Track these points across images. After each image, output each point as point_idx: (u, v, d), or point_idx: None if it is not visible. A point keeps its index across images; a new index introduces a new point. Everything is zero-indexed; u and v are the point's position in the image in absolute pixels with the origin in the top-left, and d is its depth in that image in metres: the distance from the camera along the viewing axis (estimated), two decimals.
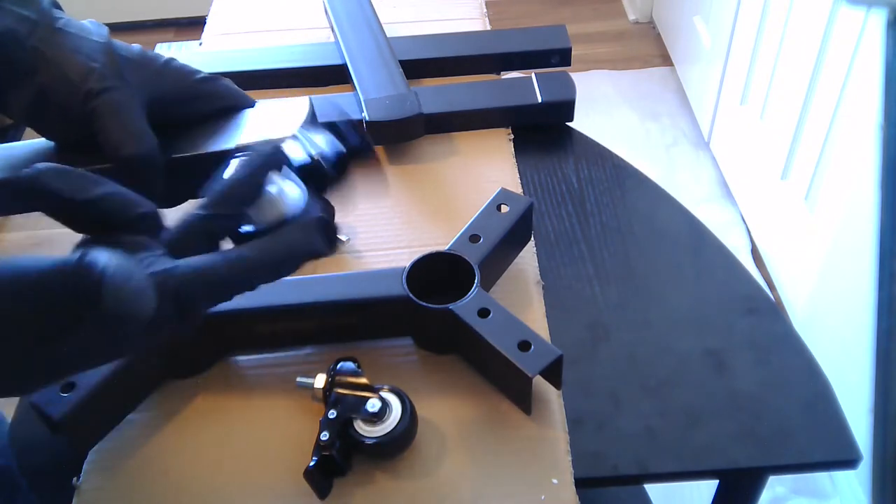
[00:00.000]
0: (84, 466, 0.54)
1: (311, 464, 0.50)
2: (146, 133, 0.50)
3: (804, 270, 1.44)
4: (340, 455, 0.51)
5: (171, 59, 0.54)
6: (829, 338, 1.31)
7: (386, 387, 0.53)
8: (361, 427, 0.51)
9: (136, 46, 0.53)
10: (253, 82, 0.85)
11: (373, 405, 0.51)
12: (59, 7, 0.52)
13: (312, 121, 0.53)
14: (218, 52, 0.90)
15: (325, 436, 0.51)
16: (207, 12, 0.99)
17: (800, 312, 1.46)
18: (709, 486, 0.63)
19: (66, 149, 0.53)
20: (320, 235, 0.44)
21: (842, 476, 1.32)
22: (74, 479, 0.54)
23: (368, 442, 0.51)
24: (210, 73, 0.55)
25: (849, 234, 1.25)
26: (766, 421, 0.56)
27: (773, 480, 1.30)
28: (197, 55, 0.90)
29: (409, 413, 0.52)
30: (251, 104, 0.55)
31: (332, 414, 0.52)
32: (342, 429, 0.51)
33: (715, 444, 0.55)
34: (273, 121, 0.53)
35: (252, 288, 0.42)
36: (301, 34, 0.93)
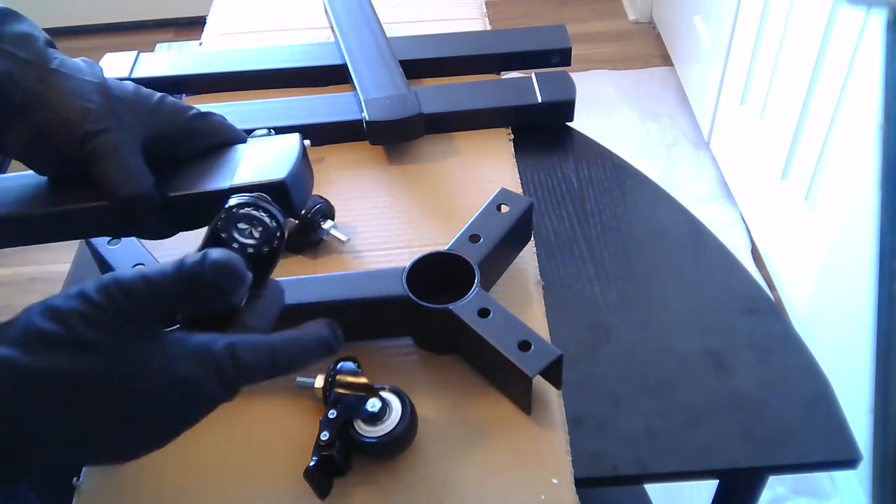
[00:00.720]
0: (84, 466, 0.54)
1: (311, 464, 0.50)
2: (144, 173, 0.50)
3: (804, 270, 1.44)
4: (340, 455, 0.51)
5: (164, 96, 0.54)
6: (829, 338, 1.31)
7: (386, 387, 0.53)
8: (361, 427, 0.51)
9: (129, 85, 0.53)
10: (253, 82, 0.85)
11: (373, 405, 0.51)
12: (53, 47, 0.53)
13: (304, 157, 0.54)
14: (218, 52, 0.90)
15: (325, 436, 0.51)
16: (207, 12, 0.99)
17: (800, 312, 1.46)
18: (709, 486, 0.63)
19: (59, 185, 0.53)
20: (333, 332, 0.47)
21: (842, 476, 1.32)
22: (74, 479, 0.54)
23: (368, 442, 0.51)
24: (202, 110, 0.56)
25: (849, 234, 1.25)
26: (766, 421, 0.56)
27: (773, 480, 1.30)
28: (197, 55, 0.90)
29: (409, 413, 0.52)
30: (243, 140, 0.56)
31: (332, 414, 0.52)
32: (342, 429, 0.51)
33: (715, 444, 0.55)
34: (267, 159, 0.53)
35: (278, 373, 0.44)
36: (301, 34, 0.93)
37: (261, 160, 0.53)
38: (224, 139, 0.56)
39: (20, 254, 1.75)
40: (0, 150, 0.51)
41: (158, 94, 0.54)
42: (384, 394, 0.53)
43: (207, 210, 0.50)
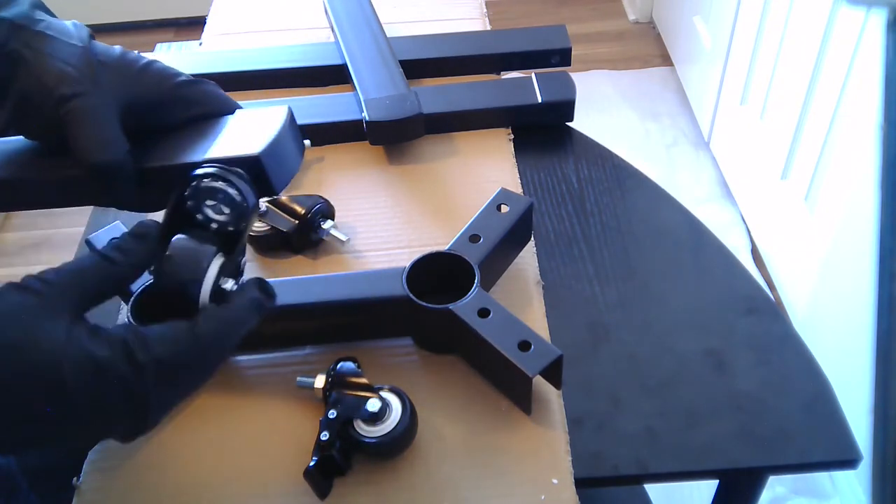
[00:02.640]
0: (84, 466, 0.54)
1: (311, 464, 0.50)
2: (117, 139, 0.49)
3: (804, 270, 1.44)
4: (340, 455, 0.51)
5: (153, 62, 0.52)
6: (829, 338, 1.31)
7: (386, 387, 0.53)
8: (361, 427, 0.51)
9: (116, 48, 0.51)
10: (253, 82, 0.85)
11: (373, 405, 0.51)
12: (43, 8, 0.51)
13: (291, 127, 0.51)
14: (218, 52, 0.90)
15: (325, 436, 0.51)
16: (207, 12, 0.99)
17: (800, 312, 1.46)
18: (709, 486, 0.63)
19: (46, 151, 0.52)
20: (264, 293, 0.46)
21: (842, 476, 1.32)
22: (74, 479, 0.54)
23: (368, 442, 0.51)
24: (193, 76, 0.53)
25: (849, 234, 1.25)
26: (766, 421, 0.56)
27: (773, 480, 1.30)
28: (197, 55, 0.90)
29: (409, 413, 0.52)
30: (232, 110, 0.54)
31: (332, 414, 0.52)
32: (342, 429, 0.51)
33: (715, 444, 0.55)
34: (248, 132, 0.50)
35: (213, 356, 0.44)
36: (301, 34, 0.93)
37: (241, 132, 0.50)
38: (212, 108, 0.53)
39: (31, 219, 1.74)
40: None
41: (147, 59, 0.52)
42: (384, 394, 0.53)
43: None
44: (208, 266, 0.45)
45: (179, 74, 0.53)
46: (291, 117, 0.52)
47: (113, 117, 0.49)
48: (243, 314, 0.46)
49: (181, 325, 0.43)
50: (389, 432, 0.51)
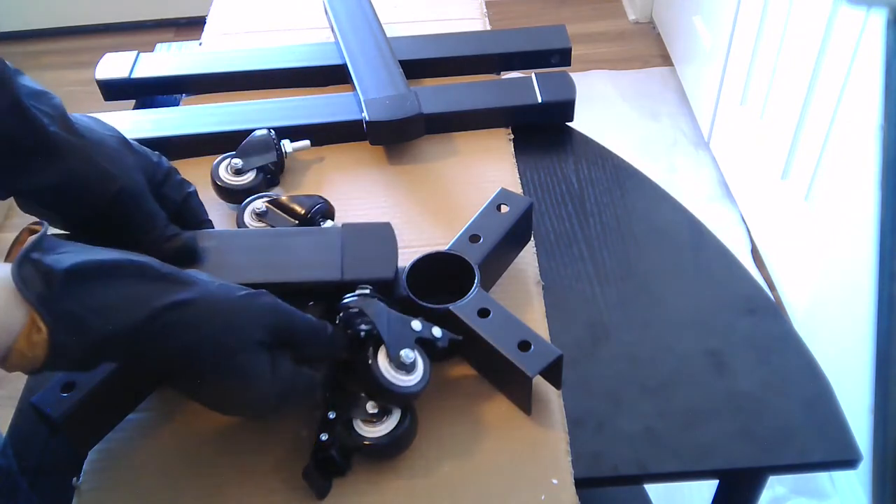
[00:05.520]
0: (84, 466, 0.54)
1: (310, 464, 0.50)
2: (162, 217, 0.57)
3: (804, 270, 1.44)
4: (340, 455, 0.51)
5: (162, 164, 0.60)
6: (829, 338, 1.31)
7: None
8: (361, 427, 0.51)
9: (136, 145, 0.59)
10: (253, 82, 0.85)
11: (372, 406, 0.51)
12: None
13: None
14: (218, 52, 0.90)
15: (324, 436, 0.51)
16: (207, 12, 0.99)
17: (800, 312, 1.46)
18: (709, 486, 0.63)
19: (78, 230, 0.56)
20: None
21: (842, 476, 1.31)
22: (74, 479, 0.54)
23: (368, 442, 0.51)
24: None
25: (849, 234, 1.24)
26: (766, 421, 0.56)
27: (773, 480, 1.30)
28: (197, 55, 0.90)
29: (408, 414, 0.52)
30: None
31: (332, 415, 0.52)
32: (342, 429, 0.51)
33: (715, 444, 0.55)
34: (368, 253, 0.59)
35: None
36: (301, 34, 0.93)
37: (362, 253, 0.58)
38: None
39: (32, 219, 1.73)
40: (18, 194, 0.53)
41: (156, 155, 0.60)
42: None
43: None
44: (375, 363, 0.51)
45: (188, 186, 0.62)
46: (392, 230, 0.61)
47: (142, 182, 0.56)
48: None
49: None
50: (389, 433, 0.51)
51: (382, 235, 0.60)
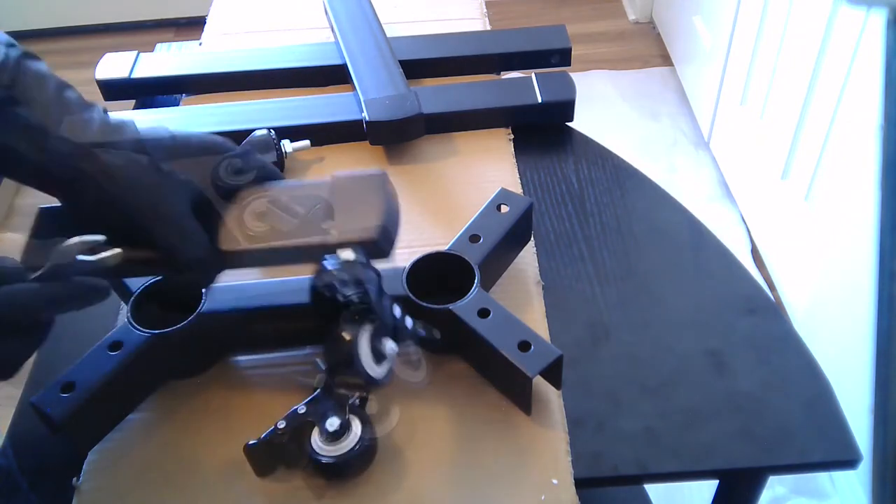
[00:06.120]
0: (84, 466, 0.54)
1: (254, 442, 0.50)
2: (199, 234, 0.51)
3: (804, 270, 1.44)
4: (294, 446, 0.50)
5: (202, 140, 0.55)
6: (829, 338, 1.31)
7: (357, 403, 0.52)
8: (318, 444, 0.50)
9: (163, 131, 0.53)
10: (253, 82, 0.85)
11: (332, 424, 0.50)
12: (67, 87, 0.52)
13: (391, 191, 0.54)
14: (218, 52, 0.90)
15: (282, 423, 0.50)
16: (207, 12, 0.99)
17: (800, 312, 1.46)
18: (709, 486, 0.63)
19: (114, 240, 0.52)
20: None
21: (842, 476, 1.31)
22: (74, 479, 0.54)
23: (323, 460, 0.50)
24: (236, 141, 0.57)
25: (849, 234, 1.24)
26: (766, 421, 0.56)
27: (773, 480, 1.30)
28: (197, 55, 0.90)
29: (367, 439, 0.51)
30: (280, 178, 0.57)
31: (302, 409, 0.51)
32: (299, 428, 0.50)
33: (715, 444, 0.55)
34: (355, 208, 0.53)
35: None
36: (301, 34, 0.93)
37: (348, 209, 0.53)
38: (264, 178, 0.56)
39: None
40: (76, 219, 0.51)
41: (195, 136, 0.54)
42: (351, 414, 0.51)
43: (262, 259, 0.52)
44: (357, 348, 0.48)
45: (229, 147, 0.55)
46: (387, 180, 0.54)
47: (188, 211, 0.51)
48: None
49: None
50: (344, 454, 0.50)
51: (375, 186, 0.54)
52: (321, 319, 0.51)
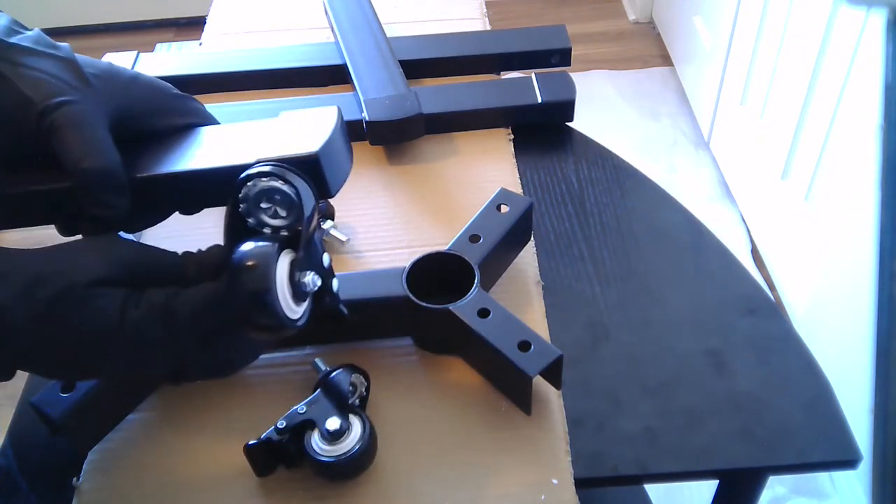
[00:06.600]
0: (84, 466, 0.54)
1: (254, 442, 0.50)
2: (108, 146, 0.47)
3: (804, 270, 1.45)
4: (294, 448, 0.50)
5: (141, 74, 0.51)
6: (829, 338, 1.31)
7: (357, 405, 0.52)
8: (318, 444, 0.50)
9: (103, 62, 0.50)
10: (253, 82, 0.85)
11: (332, 424, 0.50)
12: (20, 25, 0.50)
13: (343, 126, 0.48)
14: (218, 52, 0.90)
15: (281, 424, 0.50)
16: (207, 12, 0.99)
17: (800, 312, 1.46)
18: (709, 486, 0.63)
19: (12, 167, 0.49)
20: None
21: (842, 476, 1.32)
22: (74, 479, 0.54)
23: (322, 461, 0.50)
24: (183, 94, 0.53)
25: (849, 234, 1.25)
26: (766, 421, 0.56)
27: (773, 480, 1.30)
28: (197, 55, 0.90)
29: (367, 437, 0.51)
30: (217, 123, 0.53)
31: (302, 409, 0.51)
32: (298, 428, 0.50)
33: (715, 444, 0.55)
34: (299, 132, 0.47)
35: None
36: (301, 34, 0.93)
37: (291, 133, 0.46)
38: (202, 123, 0.52)
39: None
40: None
41: (135, 72, 0.51)
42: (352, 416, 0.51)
43: (183, 195, 0.47)
44: (275, 268, 0.41)
45: (170, 87, 0.52)
46: (342, 117, 0.49)
47: (103, 125, 0.47)
48: None
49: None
50: (345, 453, 0.50)
51: (324, 118, 0.48)
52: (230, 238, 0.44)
